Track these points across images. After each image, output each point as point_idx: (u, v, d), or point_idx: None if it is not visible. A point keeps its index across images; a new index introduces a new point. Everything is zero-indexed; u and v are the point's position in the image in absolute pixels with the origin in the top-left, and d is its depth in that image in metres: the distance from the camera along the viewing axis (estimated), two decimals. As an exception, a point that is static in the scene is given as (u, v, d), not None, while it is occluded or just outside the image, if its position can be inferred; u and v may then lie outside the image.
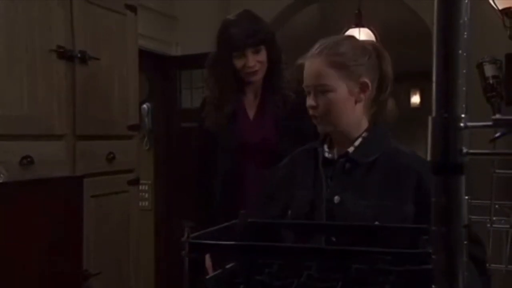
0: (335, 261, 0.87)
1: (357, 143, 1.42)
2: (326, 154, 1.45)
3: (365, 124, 1.44)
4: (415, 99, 8.54)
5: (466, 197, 0.60)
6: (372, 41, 1.49)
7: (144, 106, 4.72)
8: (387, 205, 1.29)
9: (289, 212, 1.42)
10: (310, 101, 1.42)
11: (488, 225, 0.93)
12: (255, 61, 2.12)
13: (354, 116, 1.42)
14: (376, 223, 1.21)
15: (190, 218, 2.29)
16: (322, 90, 1.39)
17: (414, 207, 1.28)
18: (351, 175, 1.38)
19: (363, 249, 0.86)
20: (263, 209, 1.52)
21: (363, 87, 1.40)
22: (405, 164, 1.34)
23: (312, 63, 1.41)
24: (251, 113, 2.22)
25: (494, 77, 3.12)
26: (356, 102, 1.40)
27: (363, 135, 1.43)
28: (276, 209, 1.46)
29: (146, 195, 4.55)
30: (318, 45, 1.43)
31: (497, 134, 0.68)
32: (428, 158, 0.60)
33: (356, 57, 1.39)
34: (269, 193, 1.55)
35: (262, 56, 2.14)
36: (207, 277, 0.93)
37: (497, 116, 0.60)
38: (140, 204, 2.88)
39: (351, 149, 1.41)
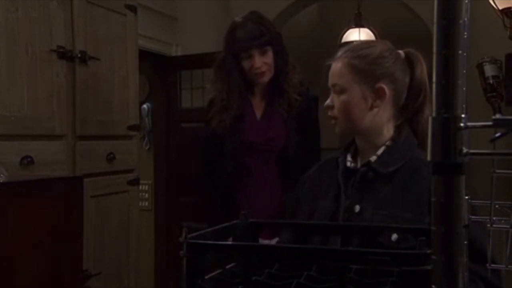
0: (334, 262, 0.87)
1: (379, 152, 1.38)
2: (348, 164, 1.42)
3: (389, 132, 1.40)
4: (415, 99, 8.52)
5: (466, 197, 0.60)
6: (409, 49, 1.45)
7: (144, 106, 4.73)
8: (406, 217, 1.26)
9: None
10: (327, 101, 1.42)
11: (488, 225, 0.93)
12: (262, 62, 2.13)
13: (371, 122, 1.38)
14: (395, 235, 1.19)
15: (190, 218, 2.29)
16: (337, 90, 1.39)
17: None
18: (373, 185, 1.35)
19: (362, 250, 0.86)
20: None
21: (379, 93, 1.36)
22: (425, 176, 1.29)
23: (334, 64, 1.41)
24: (258, 113, 2.23)
25: (494, 77, 3.12)
26: (371, 107, 1.37)
27: (387, 143, 1.39)
28: (302, 219, 1.44)
29: (146, 195, 4.56)
30: (347, 47, 1.43)
31: (497, 134, 0.68)
32: (428, 158, 0.60)
33: (376, 62, 1.37)
34: (296, 204, 1.54)
35: (269, 57, 2.15)
36: (206, 277, 0.93)
37: (497, 116, 0.60)
38: (140, 204, 2.88)
39: (373, 158, 1.38)
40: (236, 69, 2.15)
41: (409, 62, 1.42)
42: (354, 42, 1.46)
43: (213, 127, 2.19)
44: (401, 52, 1.43)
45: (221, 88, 2.19)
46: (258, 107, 2.23)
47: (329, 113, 1.42)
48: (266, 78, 2.17)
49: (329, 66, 1.43)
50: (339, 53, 1.41)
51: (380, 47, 1.42)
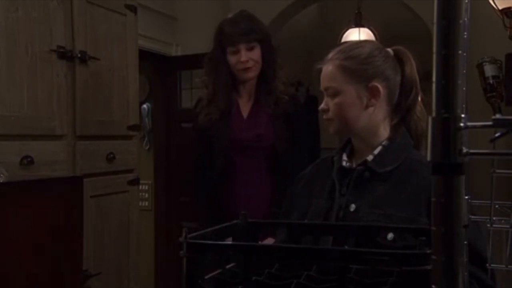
0: (334, 262, 0.87)
1: (376, 151, 1.38)
2: (344, 163, 1.42)
3: (385, 131, 1.41)
4: (415, 99, 8.52)
5: (466, 197, 0.60)
6: (398, 47, 1.46)
7: (144, 106, 4.73)
8: (401, 216, 1.26)
9: (306, 220, 1.41)
10: (321, 105, 1.42)
11: (488, 225, 0.93)
12: (248, 57, 2.14)
13: (368, 121, 1.39)
14: (390, 234, 1.19)
15: (190, 218, 2.30)
16: (330, 93, 1.39)
17: (428, 220, 1.24)
18: (369, 184, 1.35)
19: (362, 250, 0.86)
20: (284, 218, 1.51)
21: (373, 92, 1.37)
22: (422, 176, 1.30)
23: (325, 67, 1.41)
24: (245, 112, 2.24)
25: (494, 77, 3.12)
26: (367, 107, 1.37)
27: (384, 143, 1.39)
28: (296, 218, 1.44)
29: (146, 195, 4.55)
30: (336, 49, 1.42)
31: (497, 134, 0.67)
32: (428, 158, 0.60)
33: (367, 61, 1.37)
34: (290, 202, 1.54)
35: (256, 54, 2.17)
36: (206, 277, 0.93)
37: (497, 116, 0.60)
38: (140, 204, 2.88)
39: (370, 158, 1.38)
40: (224, 63, 2.18)
41: (399, 60, 1.43)
42: (343, 43, 1.45)
43: (200, 122, 2.21)
44: (390, 50, 1.43)
45: (209, 82, 2.22)
46: (245, 107, 2.25)
47: (324, 116, 1.42)
48: (251, 74, 2.18)
49: (320, 70, 1.43)
50: (329, 56, 1.42)
51: (369, 47, 1.42)
